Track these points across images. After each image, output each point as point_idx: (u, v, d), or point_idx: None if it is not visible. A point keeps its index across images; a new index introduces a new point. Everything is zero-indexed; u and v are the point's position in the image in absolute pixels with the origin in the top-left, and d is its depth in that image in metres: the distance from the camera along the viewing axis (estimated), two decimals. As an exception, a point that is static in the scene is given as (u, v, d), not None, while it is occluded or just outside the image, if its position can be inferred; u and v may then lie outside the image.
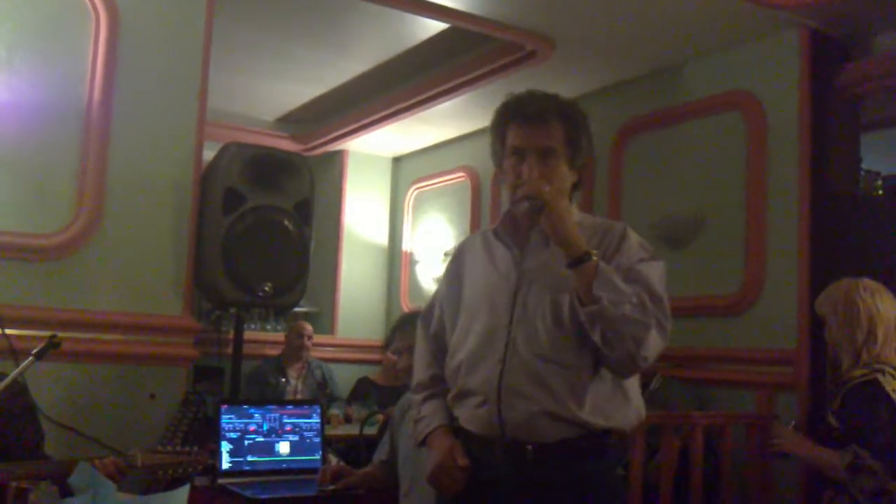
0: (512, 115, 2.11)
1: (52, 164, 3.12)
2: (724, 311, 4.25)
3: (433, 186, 6.55)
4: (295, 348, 5.44)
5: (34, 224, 3.06)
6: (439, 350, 2.25)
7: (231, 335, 4.58)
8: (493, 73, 4.87)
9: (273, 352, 5.59)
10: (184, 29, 3.44)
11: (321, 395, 5.27)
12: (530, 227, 2.10)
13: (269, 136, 6.32)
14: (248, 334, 4.43)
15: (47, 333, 2.68)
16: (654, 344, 1.92)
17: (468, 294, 2.18)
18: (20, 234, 3.02)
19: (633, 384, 2.07)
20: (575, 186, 2.14)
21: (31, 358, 2.36)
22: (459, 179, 6.23)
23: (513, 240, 2.14)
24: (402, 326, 3.05)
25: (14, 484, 1.86)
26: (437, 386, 2.21)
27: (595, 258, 1.92)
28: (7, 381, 2.32)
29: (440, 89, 5.22)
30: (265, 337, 5.80)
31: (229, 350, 4.67)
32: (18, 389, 2.58)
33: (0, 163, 3.01)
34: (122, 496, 2.00)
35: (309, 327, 5.53)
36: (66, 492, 1.94)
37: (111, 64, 3.22)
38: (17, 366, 2.72)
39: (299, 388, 5.40)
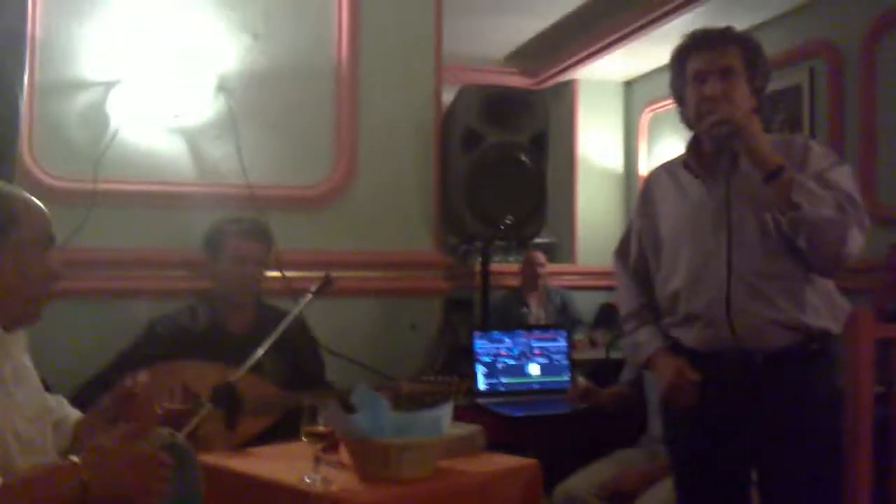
0: (692, 46, 2.26)
1: (310, 121, 3.42)
2: None
3: (668, 107, 6.42)
4: (531, 278, 5.62)
5: (300, 177, 3.39)
6: (642, 281, 2.42)
7: (476, 269, 4.85)
8: (723, -15, 4.69)
9: (514, 283, 5.78)
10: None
11: (563, 320, 5.43)
12: (716, 152, 2.21)
13: (499, 74, 6.46)
14: (491, 266, 4.63)
15: (318, 274, 3.03)
16: (856, 241, 2.06)
17: (667, 227, 2.32)
18: (289, 188, 3.36)
19: (834, 288, 2.19)
20: (756, 111, 2.21)
21: (310, 296, 2.67)
22: (694, 98, 6.06)
23: (702, 168, 2.26)
24: None
25: (308, 403, 2.15)
26: (648, 313, 2.38)
27: (788, 170, 2.05)
28: (291, 316, 2.65)
29: (669, 7, 5.09)
30: (506, 269, 6.00)
31: (475, 283, 4.94)
32: (300, 325, 2.93)
33: (268, 125, 3.35)
34: (395, 413, 2.25)
35: (542, 256, 5.67)
36: (349, 410, 2.23)
37: (355, 23, 3.45)
38: (296, 304, 3.10)
39: (541, 315, 5.59)
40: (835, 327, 2.18)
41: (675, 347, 2.28)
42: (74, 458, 1.44)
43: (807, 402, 2.13)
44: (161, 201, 3.18)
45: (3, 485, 1.40)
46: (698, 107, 2.19)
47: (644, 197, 2.45)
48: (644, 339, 2.35)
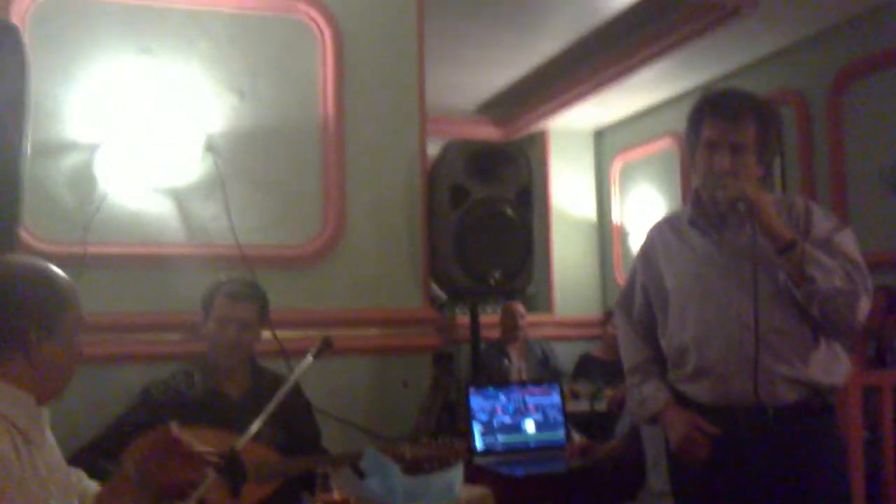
0: (708, 110, 2.28)
1: (298, 180, 3.40)
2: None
3: (639, 156, 6.53)
4: (511, 329, 5.60)
5: (289, 236, 3.36)
6: (646, 334, 2.43)
7: (457, 321, 4.85)
8: (696, 34, 4.81)
9: (493, 334, 5.76)
10: (399, 34, 3.62)
11: (544, 372, 5.42)
12: (722, 211, 2.25)
13: (471, 124, 6.52)
14: (463, 318, 4.63)
15: (309, 333, 3.00)
16: (864, 307, 2.14)
17: (673, 282, 2.33)
18: (278, 246, 3.34)
19: (838, 344, 2.25)
20: (760, 180, 2.28)
21: (309, 359, 2.62)
22: (666, 146, 6.17)
23: (708, 225, 2.29)
24: None
25: (320, 470, 2.11)
26: (653, 366, 2.39)
27: (800, 244, 2.10)
28: (291, 381, 2.59)
29: (641, 57, 5.20)
30: (485, 320, 5.98)
31: (456, 336, 4.93)
32: (295, 389, 2.87)
33: (256, 184, 3.32)
34: (406, 478, 2.22)
35: (521, 307, 5.67)
36: (359, 475, 2.19)
37: (339, 80, 3.45)
38: (288, 364, 3.05)
39: (522, 367, 5.57)
40: (840, 382, 2.24)
41: (682, 402, 2.29)
42: None
43: (817, 457, 2.17)
44: (151, 263, 3.13)
45: None
46: (706, 176, 2.24)
47: (646, 250, 2.46)
48: (651, 393, 2.36)
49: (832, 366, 2.21)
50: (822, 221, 2.23)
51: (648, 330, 2.42)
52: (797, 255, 2.09)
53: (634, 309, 2.46)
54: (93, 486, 1.84)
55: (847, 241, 2.19)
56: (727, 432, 2.19)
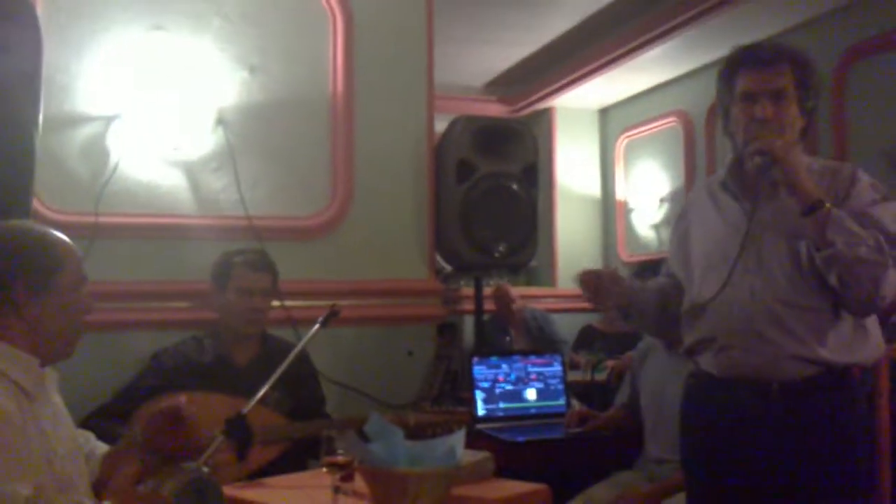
0: (741, 62, 2.15)
1: (307, 153, 3.47)
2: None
3: (643, 134, 6.57)
4: (506, 311, 5.65)
5: (298, 208, 3.43)
6: (671, 287, 2.37)
7: (460, 293, 4.92)
8: (702, 14, 4.84)
9: (491, 306, 5.74)
10: (408, 12, 3.70)
11: (540, 342, 5.46)
12: (758, 176, 2.12)
13: (478, 102, 6.56)
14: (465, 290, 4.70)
15: (316, 303, 3.06)
16: (892, 283, 1.97)
17: (698, 248, 2.26)
18: (287, 218, 3.41)
19: (872, 320, 2.12)
20: (803, 131, 2.16)
21: (317, 326, 2.70)
22: (671, 124, 6.21)
23: (741, 190, 2.18)
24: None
25: (326, 434, 2.19)
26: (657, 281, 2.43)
27: (828, 205, 1.97)
28: (299, 347, 2.66)
29: (648, 37, 5.24)
30: (488, 292, 5.99)
31: (457, 307, 5.00)
32: (302, 356, 2.95)
33: (266, 157, 3.39)
34: (409, 442, 2.29)
35: (511, 290, 5.67)
36: (364, 439, 2.26)
37: (349, 56, 3.51)
38: (297, 333, 3.13)
39: (521, 341, 5.62)
40: (865, 361, 2.11)
41: (697, 374, 2.24)
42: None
43: (827, 433, 2.05)
44: (162, 233, 3.20)
45: None
46: (747, 129, 2.11)
47: (680, 219, 2.40)
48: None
49: (857, 345, 2.07)
50: (865, 191, 2.07)
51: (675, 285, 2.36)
52: (822, 216, 1.95)
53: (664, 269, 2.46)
54: (100, 447, 1.91)
55: (886, 212, 2.03)
56: (732, 404, 2.10)
